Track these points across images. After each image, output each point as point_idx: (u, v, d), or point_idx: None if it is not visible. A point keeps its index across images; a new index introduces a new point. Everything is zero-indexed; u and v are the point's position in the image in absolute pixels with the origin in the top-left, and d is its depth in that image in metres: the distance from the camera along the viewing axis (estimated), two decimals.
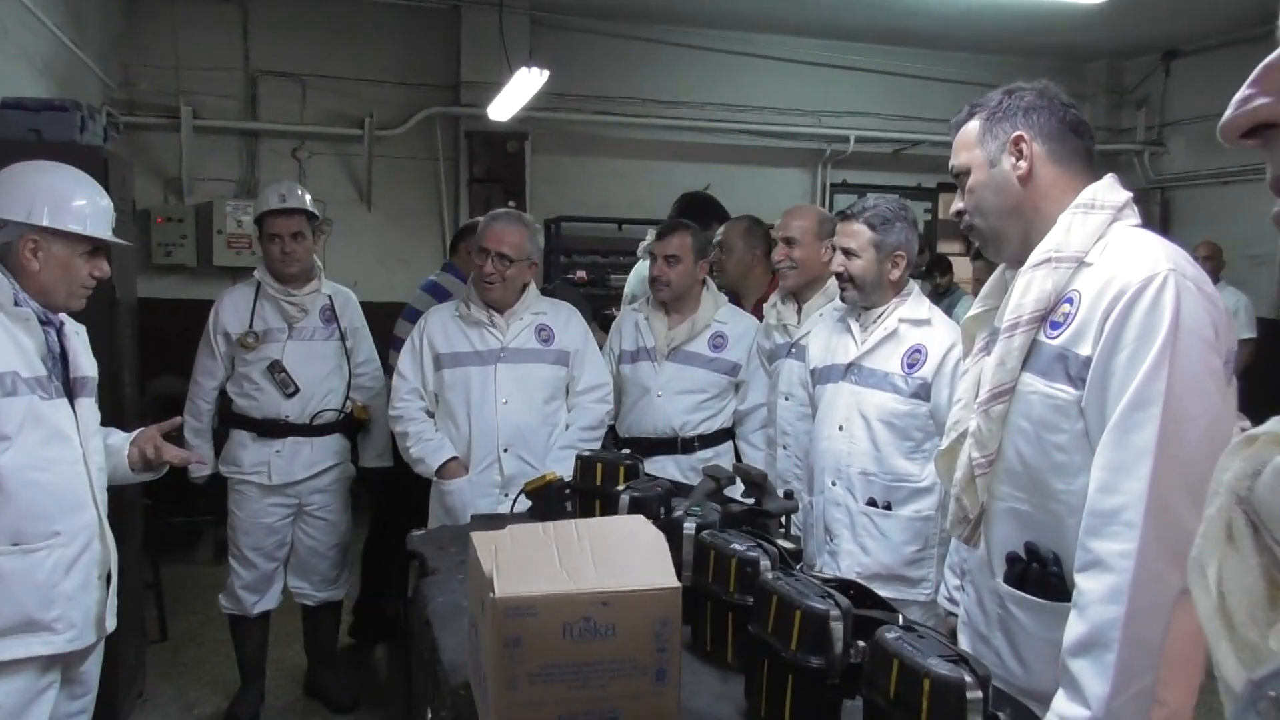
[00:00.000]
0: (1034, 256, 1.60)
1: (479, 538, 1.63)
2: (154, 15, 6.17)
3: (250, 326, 3.49)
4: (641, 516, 1.63)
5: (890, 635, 1.39)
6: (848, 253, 2.62)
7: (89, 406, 2.31)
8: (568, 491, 2.70)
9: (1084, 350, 1.50)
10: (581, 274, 6.78)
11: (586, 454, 2.66)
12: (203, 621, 4.48)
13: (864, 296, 2.64)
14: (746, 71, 7.05)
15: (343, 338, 3.63)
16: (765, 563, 1.78)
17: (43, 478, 2.13)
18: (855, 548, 2.61)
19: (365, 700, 3.85)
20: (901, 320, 2.60)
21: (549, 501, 2.75)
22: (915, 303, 2.63)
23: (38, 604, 2.13)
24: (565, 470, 2.84)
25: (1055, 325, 1.56)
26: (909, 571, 2.58)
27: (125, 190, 3.68)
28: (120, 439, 2.44)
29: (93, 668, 2.36)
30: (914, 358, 2.55)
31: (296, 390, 3.50)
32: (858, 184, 7.42)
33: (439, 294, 4.10)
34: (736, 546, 1.82)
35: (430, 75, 6.63)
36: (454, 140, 6.70)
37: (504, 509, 2.97)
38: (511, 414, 3.12)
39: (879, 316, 2.63)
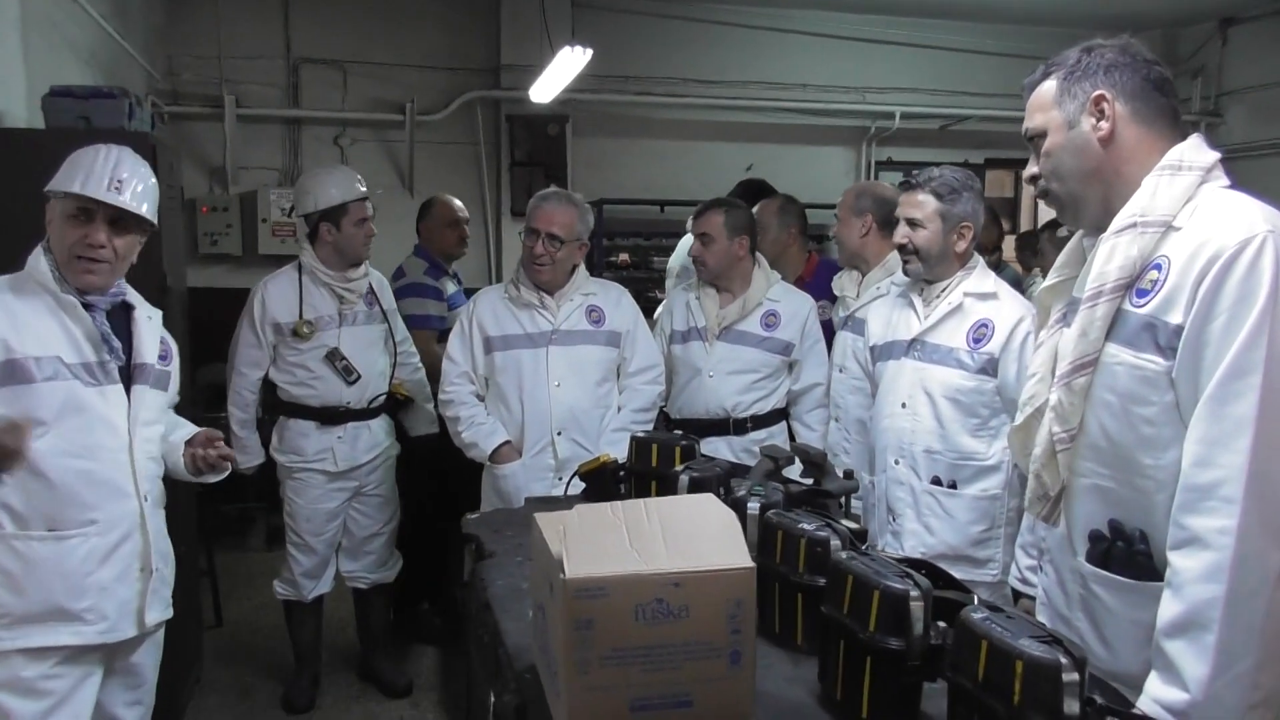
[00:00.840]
0: (1117, 222, 1.52)
1: (543, 518, 1.60)
2: (196, 4, 6.19)
3: (301, 315, 3.47)
4: (712, 495, 1.59)
5: (977, 616, 1.33)
6: (912, 223, 2.55)
7: (146, 394, 2.25)
8: (622, 473, 2.67)
9: (1175, 318, 1.43)
10: (624, 257, 6.73)
11: (641, 435, 2.62)
12: (256, 607, 4.52)
13: (928, 269, 2.57)
14: (788, 48, 6.93)
15: (384, 318, 3.65)
16: (835, 542, 1.73)
17: (82, 464, 2.10)
18: (919, 527, 2.55)
19: (420, 684, 3.85)
20: (967, 294, 2.52)
21: (603, 484, 2.71)
22: (980, 276, 2.56)
23: (67, 593, 2.09)
24: (618, 453, 2.81)
25: (1142, 293, 1.48)
26: (975, 552, 2.51)
27: (174, 178, 3.69)
28: (180, 438, 2.39)
29: (146, 659, 2.33)
30: (980, 332, 2.47)
31: (359, 377, 3.51)
32: (903, 161, 7.27)
33: (399, 278, 4.20)
34: (805, 526, 1.77)
35: (470, 59, 6.59)
36: (495, 124, 6.67)
37: (558, 492, 2.94)
38: (564, 397, 3.08)
39: (943, 291, 2.56)
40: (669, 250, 6.80)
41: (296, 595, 3.63)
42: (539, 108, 6.20)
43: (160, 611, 2.30)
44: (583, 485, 2.75)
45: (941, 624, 1.45)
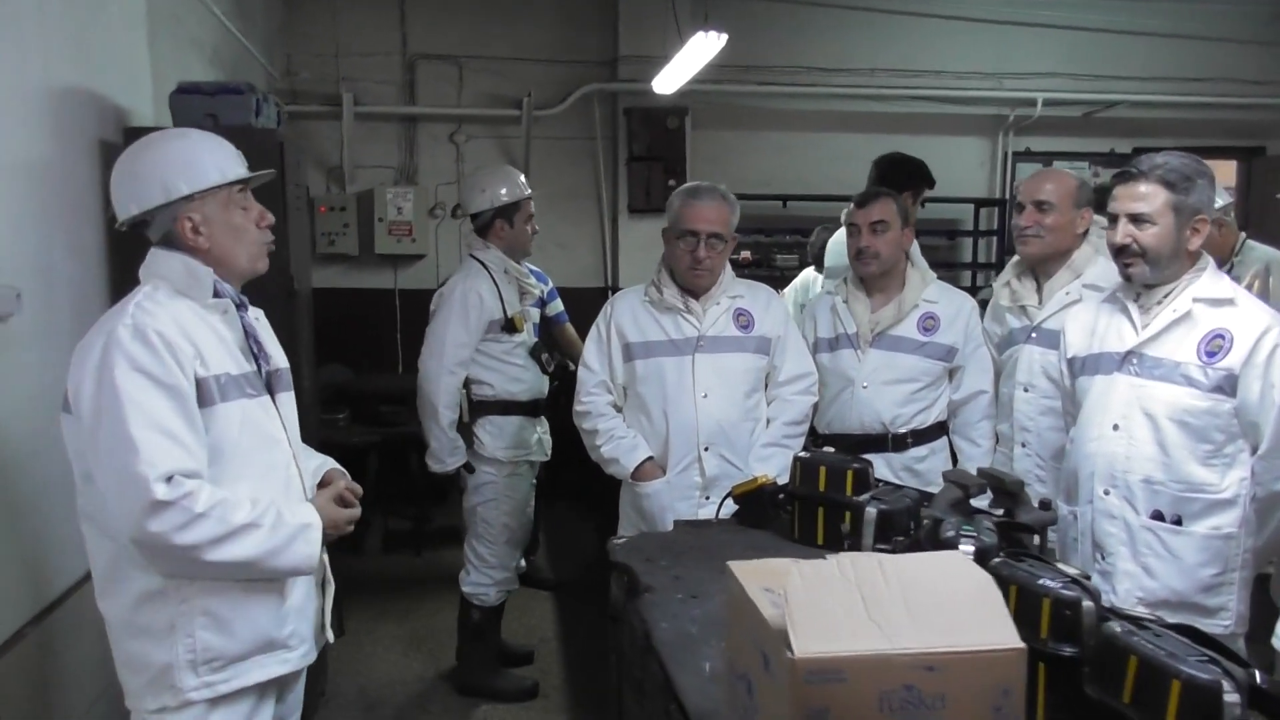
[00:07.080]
0: None
1: (742, 569, 1.36)
2: (314, 3, 6.16)
3: (505, 310, 3.48)
4: (959, 554, 1.31)
5: None
6: (1138, 219, 2.16)
7: (288, 402, 2.05)
8: (781, 497, 2.41)
9: None
10: (746, 254, 6.45)
11: (806, 455, 2.35)
12: (376, 616, 4.39)
13: (1156, 272, 2.19)
14: (920, 33, 6.54)
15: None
16: (1088, 604, 1.44)
17: (268, 485, 1.90)
18: (1136, 569, 2.20)
19: (547, 704, 3.67)
20: (1196, 299, 2.15)
21: (761, 507, 2.47)
22: (1213, 278, 2.18)
23: (273, 621, 1.92)
24: (767, 470, 2.57)
25: None
26: (1205, 599, 2.16)
27: (299, 175, 3.58)
28: (313, 470, 2.15)
29: (303, 679, 2.15)
30: (1214, 344, 2.11)
31: (556, 368, 3.64)
32: (1042, 151, 6.83)
33: None
34: (1048, 583, 1.48)
35: (587, 52, 6.40)
36: (612, 118, 6.47)
37: (705, 513, 2.70)
38: (711, 409, 2.82)
39: (1166, 296, 2.19)
40: (791, 247, 6.54)
41: (504, 594, 3.67)
42: (658, 100, 5.96)
43: (331, 630, 2.14)
44: (734, 507, 2.52)
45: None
